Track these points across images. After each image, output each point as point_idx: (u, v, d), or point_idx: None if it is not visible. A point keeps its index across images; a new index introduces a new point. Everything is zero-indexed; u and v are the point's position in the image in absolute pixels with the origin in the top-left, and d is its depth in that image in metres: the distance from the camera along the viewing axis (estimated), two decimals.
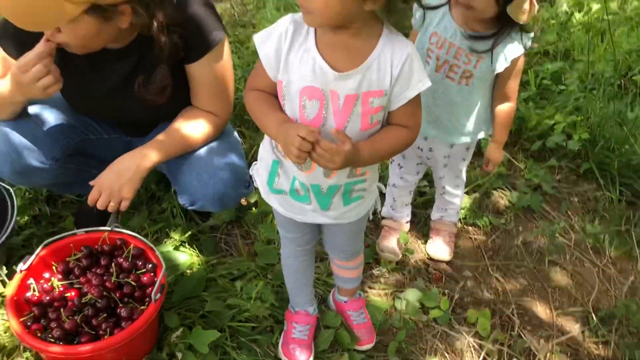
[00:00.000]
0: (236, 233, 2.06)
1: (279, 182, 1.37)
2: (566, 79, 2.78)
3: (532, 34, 1.61)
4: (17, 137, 1.64)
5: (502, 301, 1.97)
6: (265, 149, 1.37)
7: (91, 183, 1.60)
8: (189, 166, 1.69)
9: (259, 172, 1.43)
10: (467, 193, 2.30)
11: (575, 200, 2.36)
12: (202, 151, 1.72)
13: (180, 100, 1.71)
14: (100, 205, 1.58)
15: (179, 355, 1.64)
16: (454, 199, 2.06)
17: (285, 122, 1.21)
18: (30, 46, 1.48)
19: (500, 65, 1.61)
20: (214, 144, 1.75)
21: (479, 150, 2.46)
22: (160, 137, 1.68)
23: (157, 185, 2.09)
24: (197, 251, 1.94)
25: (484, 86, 1.68)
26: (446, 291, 1.98)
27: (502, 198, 2.34)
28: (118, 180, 1.58)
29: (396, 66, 1.17)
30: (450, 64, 1.63)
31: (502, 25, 1.55)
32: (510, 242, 2.19)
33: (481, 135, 1.82)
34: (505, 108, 1.72)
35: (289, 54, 1.19)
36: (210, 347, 1.63)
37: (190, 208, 1.79)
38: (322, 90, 1.18)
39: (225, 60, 1.68)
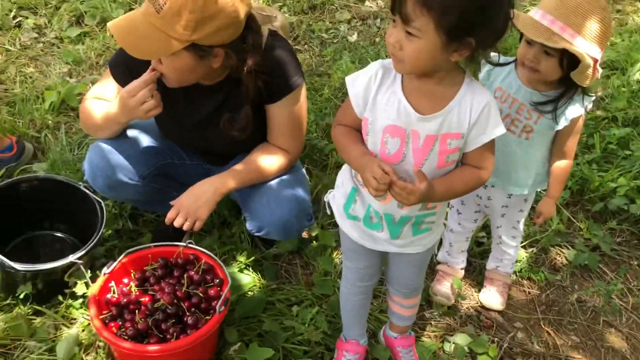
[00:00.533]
0: (296, 263, 2.19)
1: (355, 208, 1.48)
2: (634, 144, 2.79)
3: (593, 97, 1.69)
4: (114, 155, 1.86)
5: (552, 355, 1.98)
6: (345, 177, 1.49)
7: (171, 203, 1.79)
8: (259, 195, 1.86)
9: (336, 198, 1.55)
10: (524, 247, 2.34)
11: (634, 264, 2.34)
12: (273, 182, 1.89)
13: (257, 135, 1.89)
14: (177, 224, 1.75)
15: None
16: (510, 250, 2.11)
17: (367, 154, 1.34)
18: (136, 75, 1.71)
19: (561, 124, 1.69)
20: (284, 177, 1.91)
21: None
22: (238, 167, 1.86)
23: (229, 211, 2.26)
24: (260, 275, 2.08)
25: (543, 141, 1.76)
26: (496, 339, 2.01)
27: (559, 255, 2.36)
28: (195, 202, 1.76)
29: (475, 111, 1.28)
30: (512, 118, 1.72)
31: (565, 87, 1.64)
32: (565, 298, 2.20)
33: (539, 188, 1.88)
34: (562, 165, 1.79)
35: (377, 94, 1.31)
36: None
37: (256, 234, 1.94)
38: (404, 129, 1.30)
39: (301, 103, 1.85)
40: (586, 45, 1.52)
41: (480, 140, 1.32)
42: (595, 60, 1.55)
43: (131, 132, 1.96)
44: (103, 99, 1.86)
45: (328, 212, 1.59)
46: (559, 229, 2.42)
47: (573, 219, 2.50)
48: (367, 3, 3.81)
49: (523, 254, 2.31)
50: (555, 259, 2.35)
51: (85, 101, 1.88)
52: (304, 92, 1.86)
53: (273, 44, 1.76)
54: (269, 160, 1.87)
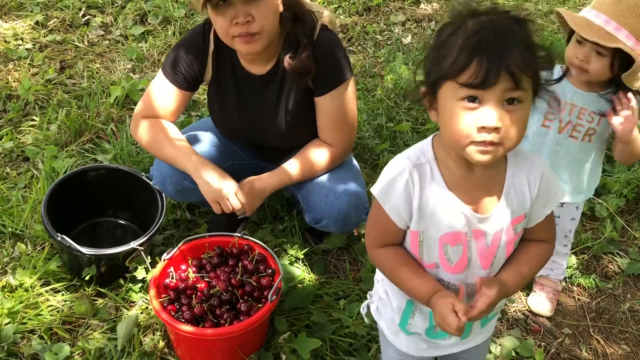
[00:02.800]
0: (345, 258, 2.23)
1: (414, 323, 1.29)
2: None
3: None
4: None
5: None
6: (392, 289, 1.29)
7: None
8: (318, 188, 1.92)
9: (382, 313, 1.36)
10: (575, 253, 2.32)
11: None
12: (331, 176, 1.95)
13: (309, 131, 1.95)
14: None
15: (284, 357, 1.82)
16: (561, 259, 2.09)
17: (437, 292, 1.14)
18: (191, 78, 1.86)
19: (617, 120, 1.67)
20: (340, 173, 1.96)
21: (592, 214, 2.48)
22: (287, 164, 1.94)
23: (282, 206, 2.32)
24: (309, 269, 2.14)
25: (601, 141, 1.76)
26: (543, 344, 2.01)
27: (611, 263, 2.33)
28: (250, 199, 1.89)
29: (534, 186, 1.15)
30: (574, 124, 1.71)
31: (613, 86, 1.63)
32: (616, 307, 2.16)
33: (580, 198, 1.86)
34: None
35: (421, 201, 1.12)
36: (312, 353, 1.80)
37: (315, 226, 2.00)
38: (465, 233, 1.14)
39: (350, 97, 1.89)
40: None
41: (543, 214, 1.19)
42: None
43: (195, 138, 2.03)
44: (157, 112, 1.93)
45: (367, 321, 1.43)
46: (612, 237, 2.38)
47: (628, 228, 2.45)
48: (422, 6, 3.83)
49: (574, 260, 2.28)
50: (608, 266, 2.31)
51: (141, 121, 1.94)
52: (353, 86, 1.90)
53: (325, 36, 1.81)
54: (318, 156, 1.93)
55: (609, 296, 2.21)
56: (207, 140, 2.06)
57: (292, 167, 1.93)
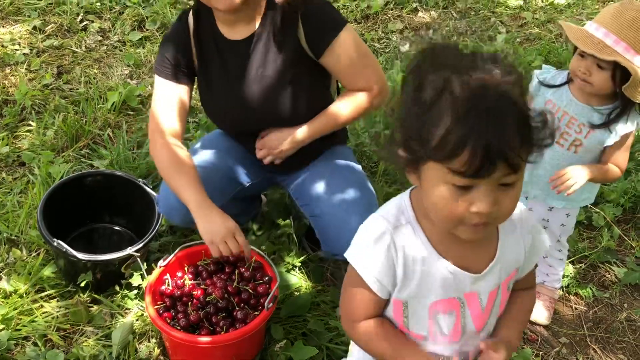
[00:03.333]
0: (342, 266, 2.23)
1: None
2: None
3: None
4: None
5: None
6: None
7: (258, 144, 1.89)
8: (332, 226, 1.82)
9: None
10: (572, 262, 2.32)
11: None
12: (345, 211, 1.82)
13: (309, 101, 1.83)
14: (262, 156, 1.88)
15: None
16: (556, 264, 2.09)
17: None
18: (184, 66, 1.80)
19: (611, 139, 1.68)
20: (357, 201, 1.83)
21: (589, 223, 2.48)
22: (314, 119, 1.85)
23: (278, 213, 2.31)
24: (306, 276, 2.13)
25: (590, 157, 1.75)
26: (540, 353, 2.00)
27: (608, 272, 2.33)
28: (279, 141, 1.85)
29: (528, 238, 1.09)
30: (562, 131, 1.73)
31: (619, 101, 1.63)
32: (613, 316, 2.16)
33: (583, 203, 1.86)
34: (611, 166, 1.73)
35: (406, 268, 1.01)
36: None
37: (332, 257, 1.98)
38: (457, 298, 1.04)
39: (355, 39, 1.76)
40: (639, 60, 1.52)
41: (532, 262, 1.14)
42: None
43: (202, 165, 1.91)
44: (168, 117, 1.82)
45: None
46: (609, 246, 2.38)
47: (624, 237, 2.45)
48: (420, 14, 3.84)
49: (571, 269, 2.28)
50: (605, 276, 2.31)
51: (158, 143, 1.80)
52: (352, 31, 1.77)
53: None
54: (347, 102, 1.82)
55: (606, 305, 2.20)
56: (216, 167, 1.96)
57: (322, 118, 1.83)
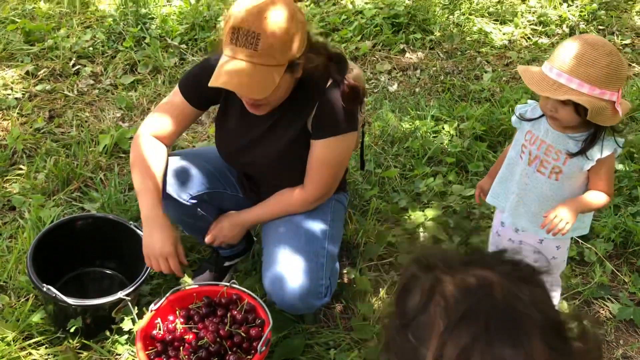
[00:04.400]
0: (335, 307, 2.21)
1: None
2: None
3: (622, 140, 1.70)
4: (170, 169, 1.96)
5: None
6: None
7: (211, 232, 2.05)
8: (269, 273, 1.88)
9: None
10: (566, 299, 2.31)
11: None
12: (283, 258, 1.89)
13: (298, 172, 1.94)
14: (209, 241, 2.05)
15: None
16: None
17: None
18: (205, 98, 1.91)
19: (588, 165, 1.70)
20: (298, 252, 1.89)
21: (581, 259, 2.49)
22: (262, 203, 2.03)
23: None
24: (299, 318, 2.10)
25: (573, 184, 1.77)
26: None
27: (602, 308, 2.32)
28: (231, 231, 2.02)
29: None
30: (541, 159, 1.77)
31: (592, 128, 1.67)
32: (609, 353, 2.14)
33: (575, 234, 1.87)
34: (594, 194, 1.75)
35: None
36: None
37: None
38: None
39: (341, 151, 1.90)
40: (597, 91, 1.57)
41: None
42: (612, 102, 1.59)
43: (194, 156, 2.07)
44: (163, 123, 1.94)
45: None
46: (602, 282, 2.38)
47: (617, 272, 2.46)
48: (407, 54, 3.92)
49: (564, 306, 2.27)
50: (599, 312, 2.31)
51: (141, 137, 1.92)
52: (350, 142, 1.90)
53: (344, 85, 1.82)
54: (285, 198, 1.98)
55: (601, 342, 2.19)
56: (207, 163, 2.07)
57: (266, 206, 2.01)
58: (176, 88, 1.95)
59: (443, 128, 3.15)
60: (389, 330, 0.75)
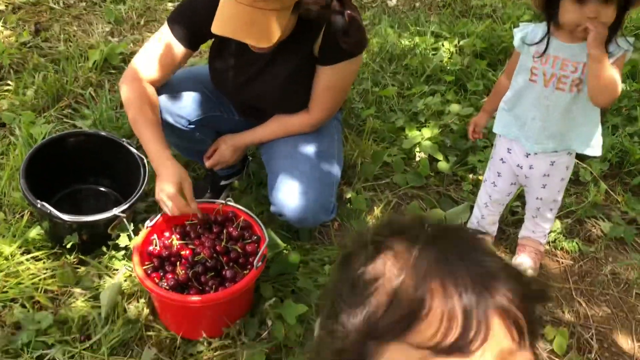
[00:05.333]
0: (330, 224, 2.22)
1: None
2: None
3: (632, 39, 1.65)
4: (167, 95, 1.91)
5: (583, 325, 1.99)
6: None
7: (209, 155, 2.04)
8: (282, 184, 1.87)
9: None
10: (559, 217, 2.33)
11: None
12: (297, 172, 1.87)
13: (302, 101, 1.90)
14: (217, 168, 2.07)
15: (269, 322, 1.82)
16: (546, 224, 2.09)
17: None
18: (199, 37, 1.78)
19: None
20: (312, 161, 1.89)
21: (576, 178, 2.49)
22: (263, 126, 1.99)
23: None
24: (295, 235, 2.12)
25: None
26: None
27: (594, 227, 2.35)
28: (232, 155, 2.02)
29: None
30: (558, 76, 1.71)
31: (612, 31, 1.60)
32: (598, 270, 2.19)
33: (587, 152, 1.83)
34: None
35: None
36: (298, 319, 1.80)
37: (278, 217, 1.99)
38: None
39: (350, 75, 1.84)
40: None
41: None
42: None
43: (188, 78, 2.00)
44: (153, 63, 1.84)
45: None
46: (595, 201, 2.39)
47: (611, 192, 2.47)
48: None
49: (558, 224, 2.30)
50: (591, 230, 2.33)
51: (132, 82, 1.83)
52: (358, 65, 1.86)
53: (346, 8, 1.72)
54: (294, 120, 1.93)
55: (592, 259, 2.23)
56: (201, 85, 2.00)
57: (267, 128, 1.98)
58: (165, 26, 1.83)
59: (443, 45, 3.07)
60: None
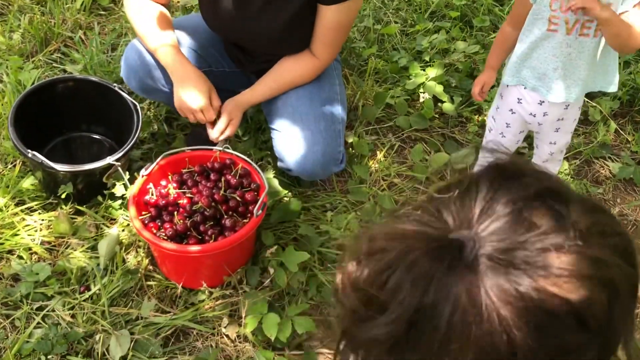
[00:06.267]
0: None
1: None
2: None
3: None
4: (149, 58, 1.81)
5: None
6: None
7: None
8: (289, 141, 1.80)
9: None
10: (567, 159, 2.27)
11: None
12: (304, 123, 1.80)
13: (302, 42, 1.79)
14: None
15: (271, 270, 1.79)
16: (556, 166, 2.02)
17: None
18: None
19: (627, 3, 1.55)
20: (316, 116, 1.80)
21: (585, 118, 2.41)
22: (264, 79, 1.86)
23: (264, 117, 2.22)
24: (295, 181, 2.07)
25: None
26: None
27: (603, 168, 2.29)
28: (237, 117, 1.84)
29: None
30: (582, 21, 1.60)
31: None
32: None
33: (604, 89, 1.75)
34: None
35: None
36: (300, 266, 1.77)
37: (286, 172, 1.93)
38: None
39: (353, 13, 1.73)
40: None
41: None
42: None
43: (184, 24, 1.91)
44: None
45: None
46: (604, 141, 2.32)
47: (621, 131, 2.39)
48: None
49: (565, 166, 2.23)
50: (599, 171, 2.28)
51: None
52: (361, 2, 1.76)
53: None
54: (298, 68, 1.83)
55: (599, 201, 2.18)
56: (188, 41, 1.92)
57: (269, 81, 1.85)
58: None
59: None
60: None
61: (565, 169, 2.23)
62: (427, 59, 2.55)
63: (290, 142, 1.81)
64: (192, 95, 1.72)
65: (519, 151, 2.26)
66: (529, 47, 1.69)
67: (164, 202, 1.72)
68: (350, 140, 2.23)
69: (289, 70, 1.84)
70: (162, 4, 1.82)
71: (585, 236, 0.55)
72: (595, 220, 0.58)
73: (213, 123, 1.80)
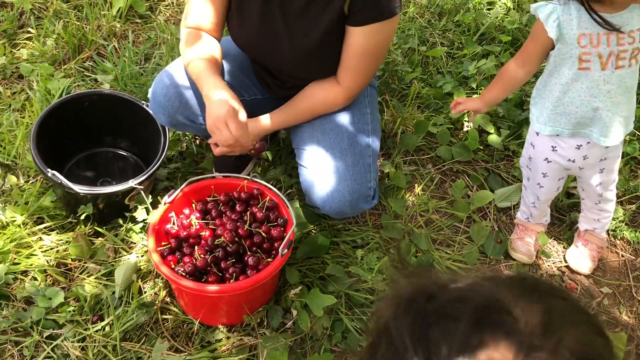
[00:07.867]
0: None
1: None
2: None
3: None
4: (179, 93, 1.70)
5: None
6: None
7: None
8: (317, 180, 1.67)
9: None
10: (621, 203, 2.09)
11: None
12: (327, 160, 1.67)
13: (331, 65, 1.66)
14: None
15: (294, 312, 1.67)
16: (609, 205, 1.85)
17: None
18: None
19: None
20: (341, 151, 1.68)
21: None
22: (287, 105, 1.73)
23: None
24: (325, 214, 1.94)
25: None
26: None
27: None
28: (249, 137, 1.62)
29: None
30: (616, 53, 1.45)
31: None
32: None
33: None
34: None
35: None
36: (325, 310, 1.64)
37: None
38: None
39: (386, 38, 1.58)
40: None
41: None
42: None
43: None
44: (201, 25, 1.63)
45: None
46: None
47: None
48: None
49: (620, 211, 2.06)
50: None
51: (187, 34, 1.63)
52: (395, 24, 1.58)
53: None
54: (318, 95, 1.69)
55: None
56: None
57: (288, 107, 1.72)
58: None
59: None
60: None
61: (620, 215, 2.05)
62: (473, 85, 2.39)
63: (315, 178, 1.68)
64: (214, 108, 1.49)
65: (568, 190, 2.10)
66: (561, 91, 1.54)
67: (185, 233, 1.61)
68: (386, 170, 2.09)
69: (310, 96, 1.71)
70: (216, 37, 1.67)
71: None
72: None
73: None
